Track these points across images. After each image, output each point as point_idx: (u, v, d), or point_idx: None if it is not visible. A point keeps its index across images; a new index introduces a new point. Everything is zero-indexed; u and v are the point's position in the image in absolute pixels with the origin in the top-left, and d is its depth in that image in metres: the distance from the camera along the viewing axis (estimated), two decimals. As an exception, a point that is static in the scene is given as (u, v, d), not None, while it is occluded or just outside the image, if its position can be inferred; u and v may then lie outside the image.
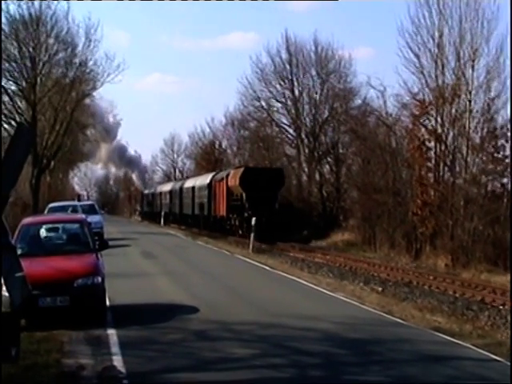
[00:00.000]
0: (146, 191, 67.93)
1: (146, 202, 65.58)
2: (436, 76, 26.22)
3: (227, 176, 32.65)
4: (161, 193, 54.78)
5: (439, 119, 26.00)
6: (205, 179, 37.68)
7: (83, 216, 13.63)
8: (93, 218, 28.85)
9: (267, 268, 18.97)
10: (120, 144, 70.09)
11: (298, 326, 10.05)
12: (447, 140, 25.75)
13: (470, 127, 25.02)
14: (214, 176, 36.29)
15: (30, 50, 32.41)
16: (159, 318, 10.75)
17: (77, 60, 33.60)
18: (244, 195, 29.88)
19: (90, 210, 29.01)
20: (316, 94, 39.98)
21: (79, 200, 37.10)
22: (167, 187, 52.29)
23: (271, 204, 29.17)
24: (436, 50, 26.12)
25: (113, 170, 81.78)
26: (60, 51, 33.53)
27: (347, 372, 7.86)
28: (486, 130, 24.91)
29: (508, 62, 24.11)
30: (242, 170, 31.16)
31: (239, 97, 43.97)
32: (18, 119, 32.14)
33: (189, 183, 42.78)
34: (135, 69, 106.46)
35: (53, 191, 41.29)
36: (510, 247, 19.99)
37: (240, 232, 30.42)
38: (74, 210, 25.72)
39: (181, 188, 44.56)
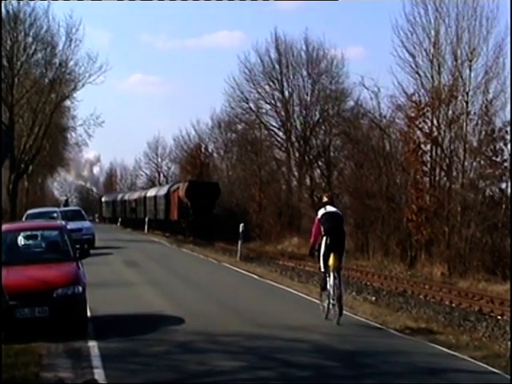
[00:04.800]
0: (105, 198, 71.26)
1: (106, 209, 70.93)
2: (432, 76, 26.24)
3: (178, 188, 39.72)
4: (125, 200, 58.98)
5: (435, 121, 25.88)
6: (163, 190, 44.75)
7: (63, 223, 13.27)
8: (83, 225, 28.28)
9: (255, 277, 18.70)
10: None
11: (287, 338, 9.82)
12: (443, 143, 25.61)
13: (467, 130, 24.87)
14: (170, 187, 43.46)
15: (7, 48, 31.79)
16: (143, 330, 10.50)
17: (57, 60, 33.33)
18: (189, 203, 36.60)
19: (76, 216, 28.40)
20: (307, 95, 39.48)
21: (67, 205, 35.94)
22: (133, 196, 56.99)
23: (209, 210, 36.29)
24: (432, 50, 26.07)
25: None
26: (39, 50, 33.18)
27: (338, 385, 7.75)
28: (483, 132, 24.74)
29: (507, 62, 24.02)
30: (187, 183, 38.42)
31: (226, 98, 43.14)
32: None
33: (151, 192, 49.05)
34: (116, 69, 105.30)
35: (31, 197, 40.81)
36: (511, 254, 19.79)
37: (188, 232, 36.87)
38: (52, 217, 24.76)
39: (145, 197, 50.38)
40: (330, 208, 11.08)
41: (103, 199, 73.69)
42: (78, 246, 11.69)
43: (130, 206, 56.66)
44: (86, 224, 28.30)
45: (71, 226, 26.65)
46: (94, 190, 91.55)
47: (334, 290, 10.75)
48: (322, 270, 10.92)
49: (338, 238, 10.91)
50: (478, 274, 20.98)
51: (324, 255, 10.82)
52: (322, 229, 10.88)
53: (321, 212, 11.07)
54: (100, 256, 22.77)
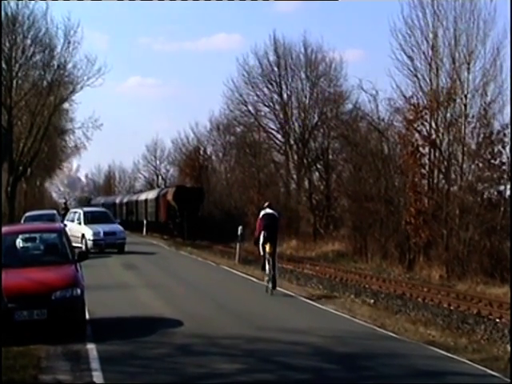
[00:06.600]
0: (94, 201, 71.86)
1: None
2: (430, 79, 26.19)
3: (167, 192, 42.73)
4: (114, 203, 60.48)
5: (434, 124, 25.83)
6: (154, 194, 47.70)
7: (61, 225, 13.39)
8: (116, 228, 26.24)
9: (254, 279, 18.53)
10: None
11: (286, 340, 9.82)
12: (442, 146, 25.55)
13: (465, 132, 24.84)
14: (159, 192, 46.36)
15: (6, 50, 31.63)
16: (141, 332, 10.54)
17: (55, 62, 33.20)
18: (176, 207, 39.47)
19: (103, 218, 26.61)
20: (305, 97, 39.33)
21: (66, 207, 34.40)
22: (125, 199, 58.70)
23: (195, 213, 39.19)
24: (430, 52, 26.06)
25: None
26: (37, 53, 33.07)
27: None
28: (482, 135, 24.71)
29: (505, 64, 24.06)
30: (174, 188, 41.99)
31: (225, 101, 43.14)
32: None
33: (142, 196, 51.79)
34: (115, 72, 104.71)
35: (30, 199, 40.62)
36: (511, 256, 19.75)
37: (175, 233, 39.90)
38: (50, 219, 24.59)
39: (136, 200, 53.29)
40: (268, 210, 15.07)
41: (92, 202, 74.19)
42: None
43: (122, 209, 57.19)
44: (118, 228, 26.44)
45: (105, 229, 25.50)
46: (61, 188, 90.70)
47: (269, 271, 14.72)
48: (262, 254, 14.99)
49: (273, 232, 14.80)
50: (477, 277, 20.97)
51: (262, 244, 14.76)
52: (262, 225, 14.73)
53: (262, 213, 15.10)
54: (99, 258, 22.72)
